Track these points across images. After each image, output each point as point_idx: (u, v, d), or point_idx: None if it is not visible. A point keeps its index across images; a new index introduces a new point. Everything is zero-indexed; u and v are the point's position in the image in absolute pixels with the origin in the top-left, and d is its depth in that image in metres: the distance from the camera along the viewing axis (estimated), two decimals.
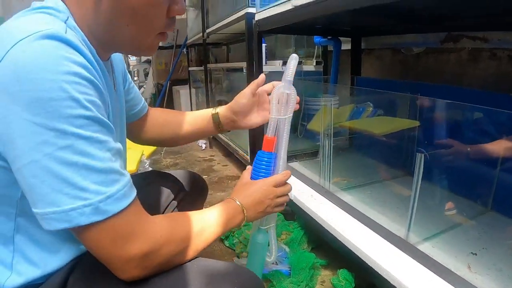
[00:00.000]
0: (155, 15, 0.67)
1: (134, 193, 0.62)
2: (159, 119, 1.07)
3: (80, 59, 0.55)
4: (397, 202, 1.33)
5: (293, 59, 0.88)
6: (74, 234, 0.58)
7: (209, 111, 1.04)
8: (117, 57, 0.90)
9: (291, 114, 0.91)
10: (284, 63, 2.08)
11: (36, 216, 0.55)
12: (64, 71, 0.52)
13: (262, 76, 0.99)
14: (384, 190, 1.47)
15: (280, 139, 0.91)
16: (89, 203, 0.54)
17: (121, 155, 0.62)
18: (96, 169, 0.55)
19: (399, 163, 1.54)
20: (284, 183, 0.92)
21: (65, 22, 0.60)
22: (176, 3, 0.69)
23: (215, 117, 1.02)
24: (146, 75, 7.59)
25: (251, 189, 0.88)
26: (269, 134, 0.91)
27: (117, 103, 0.80)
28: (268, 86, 0.99)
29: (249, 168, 0.96)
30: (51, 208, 0.53)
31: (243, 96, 0.98)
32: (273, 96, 0.90)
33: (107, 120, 0.59)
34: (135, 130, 1.05)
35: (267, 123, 0.93)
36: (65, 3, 0.65)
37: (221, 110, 1.03)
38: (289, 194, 0.94)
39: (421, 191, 1.03)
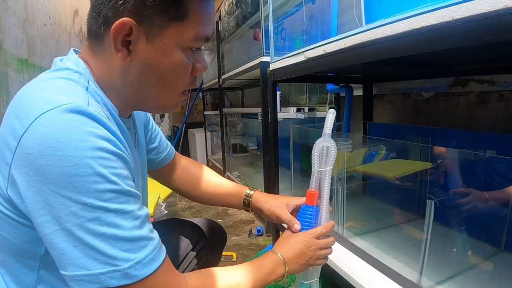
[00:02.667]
0: (181, 76, 0.70)
1: (163, 255, 0.63)
2: (192, 173, 1.12)
3: (104, 132, 0.57)
4: (410, 246, 1.34)
5: (331, 114, 0.89)
6: None
7: (243, 191, 1.10)
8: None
9: (332, 167, 0.91)
10: (298, 110, 2.13)
11: (65, 278, 0.56)
12: (89, 147, 0.54)
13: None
14: (397, 234, 1.48)
15: (321, 192, 0.91)
16: (118, 269, 0.56)
17: (148, 219, 0.64)
18: (124, 238, 0.56)
19: (412, 206, 1.55)
20: (327, 235, 0.91)
21: (86, 89, 0.63)
22: (199, 62, 0.72)
23: (247, 198, 1.09)
24: (162, 116, 7.74)
25: (292, 242, 0.88)
26: (312, 188, 0.92)
27: (137, 159, 0.82)
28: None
29: None
30: (82, 271, 0.55)
31: (285, 209, 1.01)
32: (315, 151, 0.91)
33: (134, 190, 0.60)
34: (162, 176, 1.09)
35: (311, 175, 0.93)
36: (87, 63, 0.68)
37: (256, 194, 1.10)
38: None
39: (434, 234, 1.04)
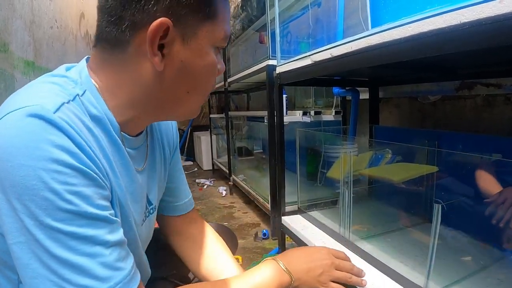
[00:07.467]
0: (211, 78, 0.67)
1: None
2: (209, 247, 0.97)
3: (66, 142, 0.50)
4: (416, 250, 1.33)
5: None
6: None
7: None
8: (168, 129, 0.87)
9: None
10: (304, 113, 2.14)
11: None
12: (44, 157, 0.47)
13: None
14: (403, 238, 1.47)
15: None
16: None
17: (122, 245, 0.57)
18: (79, 267, 0.49)
19: (418, 210, 1.54)
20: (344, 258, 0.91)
21: (74, 98, 0.57)
22: (219, 62, 0.67)
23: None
24: None
25: (300, 251, 0.86)
26: None
27: (140, 182, 0.72)
28: None
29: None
30: None
31: None
32: None
33: (101, 212, 0.53)
34: (165, 226, 0.97)
35: None
36: (95, 73, 0.62)
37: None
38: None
39: (440, 238, 1.03)
